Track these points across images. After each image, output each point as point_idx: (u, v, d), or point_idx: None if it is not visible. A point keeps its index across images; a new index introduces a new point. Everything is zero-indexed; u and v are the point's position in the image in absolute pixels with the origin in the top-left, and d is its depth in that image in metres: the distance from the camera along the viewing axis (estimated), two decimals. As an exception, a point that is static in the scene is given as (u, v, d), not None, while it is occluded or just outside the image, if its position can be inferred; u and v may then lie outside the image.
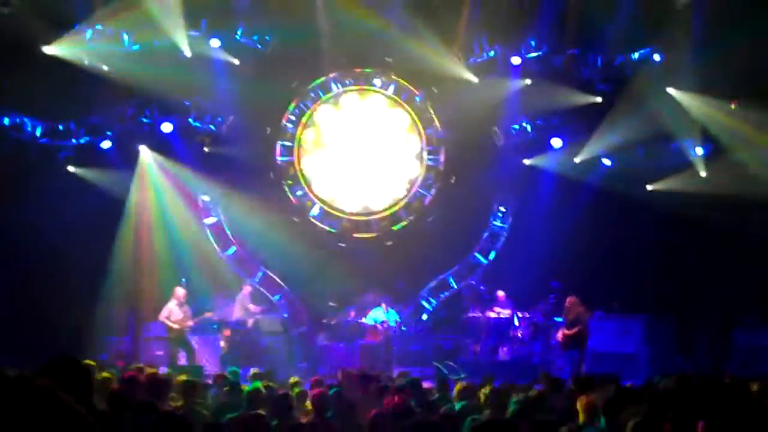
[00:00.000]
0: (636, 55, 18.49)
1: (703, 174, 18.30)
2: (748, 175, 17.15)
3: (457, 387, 9.10)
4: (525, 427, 6.56)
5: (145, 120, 18.67)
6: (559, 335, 16.30)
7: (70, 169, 18.35)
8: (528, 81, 18.91)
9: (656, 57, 18.31)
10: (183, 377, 9.56)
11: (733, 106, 17.56)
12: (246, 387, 9.01)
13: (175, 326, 16.15)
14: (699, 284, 17.90)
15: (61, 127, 18.14)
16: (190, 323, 16.50)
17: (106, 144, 18.53)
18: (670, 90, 17.92)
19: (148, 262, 18.30)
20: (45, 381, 1.17)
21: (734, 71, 15.83)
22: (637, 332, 17.44)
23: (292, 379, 10.67)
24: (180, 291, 16.58)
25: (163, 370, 13.28)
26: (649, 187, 19.01)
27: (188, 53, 17.46)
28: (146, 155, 18.86)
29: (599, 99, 18.77)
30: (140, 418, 6.03)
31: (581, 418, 7.41)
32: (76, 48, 17.03)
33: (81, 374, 3.97)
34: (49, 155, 18.12)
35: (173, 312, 16.28)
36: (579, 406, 7.73)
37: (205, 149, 19.11)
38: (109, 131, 18.56)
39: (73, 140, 18.30)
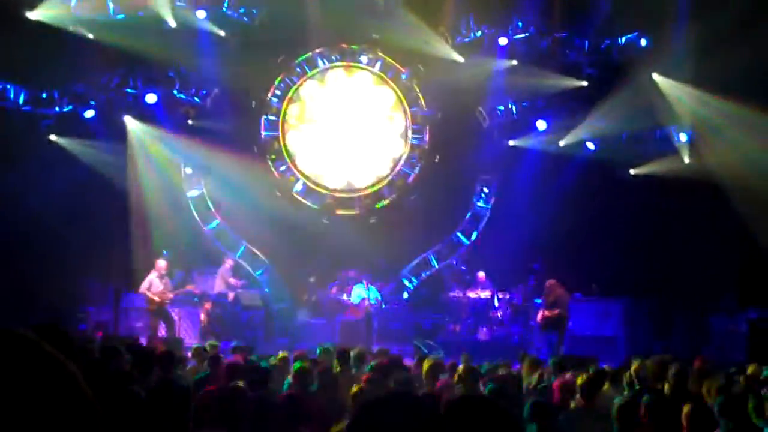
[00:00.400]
0: (623, 40, 18.50)
1: (686, 160, 18.39)
2: (729, 164, 17.23)
3: (426, 364, 9.08)
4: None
5: (129, 90, 18.53)
6: (539, 316, 16.41)
7: (53, 138, 18.20)
8: (514, 62, 18.91)
9: (643, 42, 18.34)
10: (162, 349, 9.55)
11: (715, 98, 17.56)
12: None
13: (156, 298, 16.08)
14: (678, 268, 18.04)
15: (44, 95, 17.97)
16: (171, 295, 16.43)
17: (89, 113, 18.37)
18: (656, 76, 17.96)
19: (130, 233, 18.19)
20: (29, 334, 1.17)
21: (720, 61, 15.85)
22: (617, 315, 17.57)
23: (281, 354, 10.62)
24: (161, 263, 16.48)
25: (142, 341, 13.27)
26: (632, 172, 19.11)
27: (173, 24, 17.36)
28: (132, 126, 18.72)
29: (585, 83, 18.80)
30: (122, 389, 6.03)
31: (557, 398, 7.48)
32: (60, 14, 16.86)
33: (62, 341, 3.95)
34: (31, 123, 17.96)
35: (154, 284, 16.20)
36: (555, 386, 7.81)
37: (190, 122, 18.99)
38: (93, 100, 18.40)
39: (56, 108, 18.13)
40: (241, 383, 7.64)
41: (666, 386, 8.07)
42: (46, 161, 17.22)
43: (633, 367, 8.84)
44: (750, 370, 9.28)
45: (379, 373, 8.10)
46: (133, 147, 18.62)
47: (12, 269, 16.52)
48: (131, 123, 18.67)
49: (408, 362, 10.95)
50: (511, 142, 19.84)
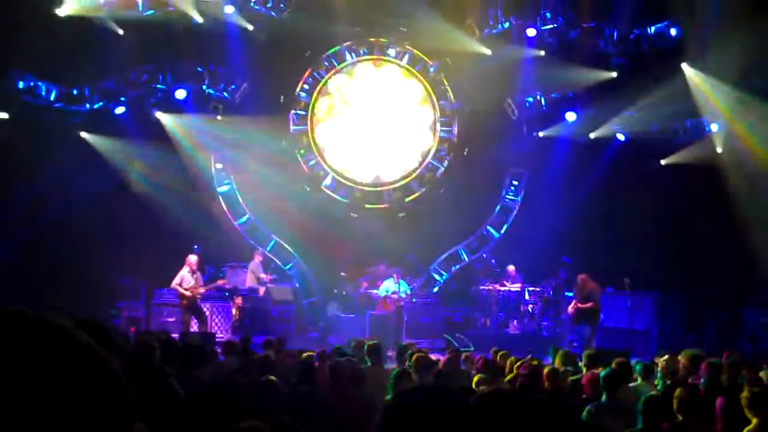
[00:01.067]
0: (652, 30, 18.33)
1: (719, 150, 18.18)
2: (761, 155, 17.04)
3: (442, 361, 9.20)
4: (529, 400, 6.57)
5: (159, 86, 18.66)
6: (571, 309, 16.32)
7: (83, 135, 18.37)
8: (542, 53, 18.81)
9: (673, 32, 18.17)
10: (195, 344, 9.62)
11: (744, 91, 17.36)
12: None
13: (187, 293, 16.14)
14: (710, 261, 17.85)
15: (75, 92, 18.14)
16: (202, 290, 16.49)
17: (120, 110, 18.52)
18: (685, 66, 17.79)
19: (161, 229, 18.28)
20: (65, 321, 1.16)
21: (747, 52, 15.70)
22: (648, 309, 17.43)
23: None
24: (192, 258, 16.52)
25: (175, 336, 13.34)
26: (663, 162, 18.96)
27: (200, 19, 17.48)
28: (165, 121, 18.85)
29: (614, 74, 18.67)
30: (159, 383, 6.08)
31: (588, 391, 7.45)
32: (90, 11, 17.03)
33: (101, 336, 3.99)
34: (63, 120, 18.12)
35: (185, 279, 16.25)
36: (585, 380, 7.78)
37: (219, 117, 19.07)
38: (123, 97, 18.54)
39: (87, 105, 18.29)
40: (272, 377, 7.67)
41: (699, 380, 8.03)
42: (77, 158, 17.36)
43: (664, 361, 8.82)
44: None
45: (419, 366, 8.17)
46: (173, 141, 18.77)
47: (44, 264, 16.70)
48: (164, 118, 18.80)
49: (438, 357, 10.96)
50: (541, 134, 19.73)
